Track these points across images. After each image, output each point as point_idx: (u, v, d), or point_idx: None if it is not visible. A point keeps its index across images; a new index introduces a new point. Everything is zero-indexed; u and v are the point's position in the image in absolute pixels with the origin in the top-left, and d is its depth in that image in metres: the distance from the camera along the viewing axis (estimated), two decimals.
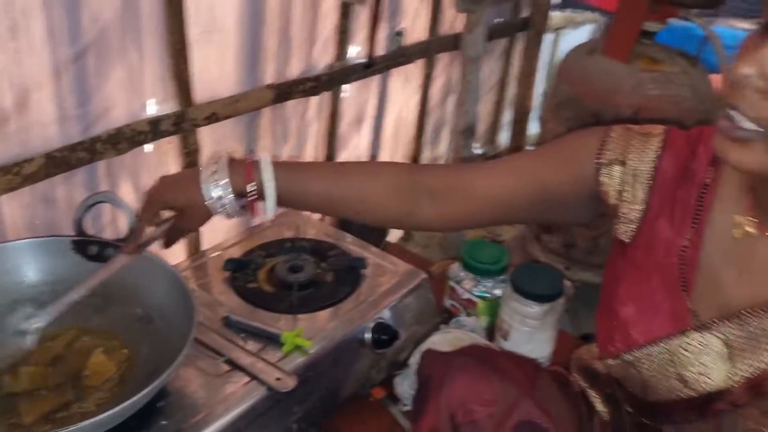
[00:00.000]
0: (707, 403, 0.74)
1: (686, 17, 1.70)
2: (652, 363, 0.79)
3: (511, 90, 2.41)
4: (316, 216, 1.81)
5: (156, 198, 0.88)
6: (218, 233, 1.57)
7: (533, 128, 2.49)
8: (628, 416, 0.92)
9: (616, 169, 0.81)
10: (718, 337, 0.74)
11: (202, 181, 0.82)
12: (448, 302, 1.56)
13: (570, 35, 2.63)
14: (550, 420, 0.92)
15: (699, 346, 0.75)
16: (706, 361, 0.75)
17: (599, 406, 0.99)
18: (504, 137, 2.51)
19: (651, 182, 0.80)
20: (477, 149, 2.30)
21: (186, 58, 1.30)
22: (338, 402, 1.28)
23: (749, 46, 0.61)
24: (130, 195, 1.34)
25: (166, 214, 0.93)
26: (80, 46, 1.14)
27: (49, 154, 1.15)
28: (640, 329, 0.80)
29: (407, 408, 1.40)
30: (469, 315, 1.52)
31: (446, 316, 1.53)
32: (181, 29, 1.27)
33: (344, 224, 1.74)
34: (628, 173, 0.81)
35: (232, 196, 0.83)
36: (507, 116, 2.45)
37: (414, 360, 1.42)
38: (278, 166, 0.84)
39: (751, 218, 0.73)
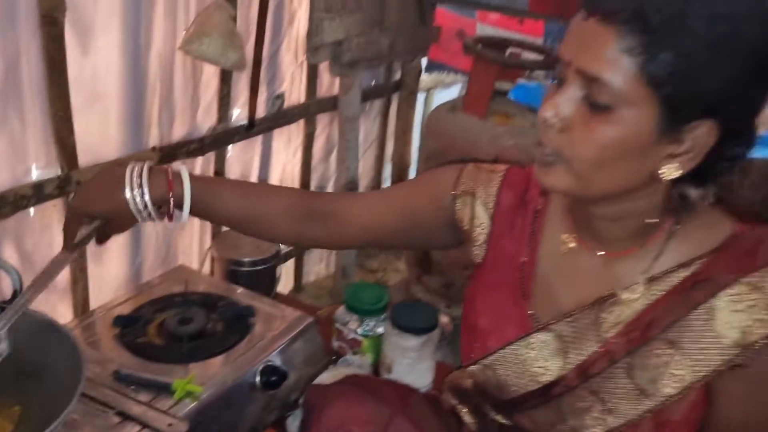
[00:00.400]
0: (548, 389, 0.88)
1: (532, 78, 1.95)
2: (505, 364, 0.92)
3: (390, 147, 2.59)
4: (206, 270, 1.88)
5: (76, 212, 0.91)
6: (107, 291, 1.60)
7: None
8: (492, 423, 1.05)
9: (468, 200, 0.96)
10: (554, 335, 0.89)
11: (126, 192, 0.88)
12: (335, 343, 1.66)
13: (440, 95, 2.89)
14: None
15: (540, 344, 0.89)
16: (546, 356, 0.89)
17: (467, 418, 1.10)
18: None
19: (493, 210, 0.95)
20: None
21: (70, 125, 1.36)
22: None
23: (549, 94, 0.78)
24: (13, 258, 1.36)
25: None
26: None
27: None
28: (495, 336, 0.93)
29: None
30: (355, 354, 1.63)
31: (335, 358, 1.63)
32: (64, 97, 1.33)
33: (233, 277, 1.81)
34: (477, 203, 0.96)
35: (152, 206, 0.89)
36: (387, 171, 2.62)
37: (304, 401, 1.50)
38: (194, 179, 0.92)
39: (572, 236, 0.89)
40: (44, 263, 1.40)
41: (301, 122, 2.10)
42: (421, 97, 2.67)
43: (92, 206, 0.90)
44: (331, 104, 2.15)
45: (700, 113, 0.70)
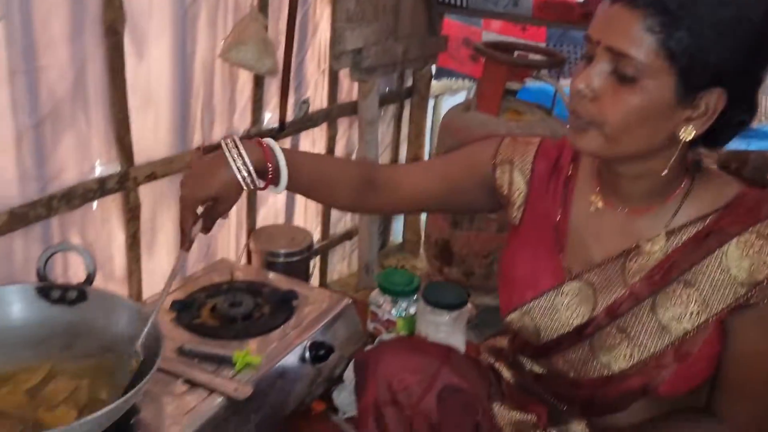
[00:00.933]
0: (581, 330, 1.01)
1: (539, 78, 2.09)
2: (541, 310, 1.05)
3: (404, 150, 2.73)
4: (244, 260, 2.00)
5: (190, 201, 0.99)
6: (158, 282, 1.72)
7: None
8: (528, 374, 1.17)
9: (507, 167, 1.10)
10: (585, 283, 1.02)
11: (231, 164, 0.96)
12: (371, 325, 1.78)
13: (448, 100, 3.03)
14: (468, 383, 1.16)
15: (572, 291, 1.02)
16: (578, 302, 1.01)
17: (506, 372, 1.22)
18: None
19: (530, 176, 1.09)
20: None
21: (128, 125, 1.49)
22: (286, 412, 1.45)
23: (579, 70, 0.91)
24: None
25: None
26: (39, 116, 1.32)
27: (11, 210, 1.29)
28: (532, 287, 1.06)
29: (346, 416, 1.58)
30: (390, 333, 1.75)
31: (370, 339, 1.74)
32: (123, 100, 1.47)
33: (270, 267, 1.94)
34: (515, 170, 1.09)
35: (254, 170, 0.97)
36: None
37: (347, 375, 1.62)
38: (283, 150, 1.02)
39: (600, 196, 1.02)
40: (104, 253, 1.54)
41: (324, 126, 2.24)
42: (430, 103, 2.81)
43: (202, 190, 0.97)
44: (350, 109, 2.29)
45: (711, 82, 0.84)
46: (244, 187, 0.98)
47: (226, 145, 0.98)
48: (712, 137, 0.90)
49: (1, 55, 1.22)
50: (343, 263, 2.62)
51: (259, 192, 2.03)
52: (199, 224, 1.01)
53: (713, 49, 0.81)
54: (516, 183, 1.09)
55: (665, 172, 0.92)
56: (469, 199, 1.15)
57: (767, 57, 0.87)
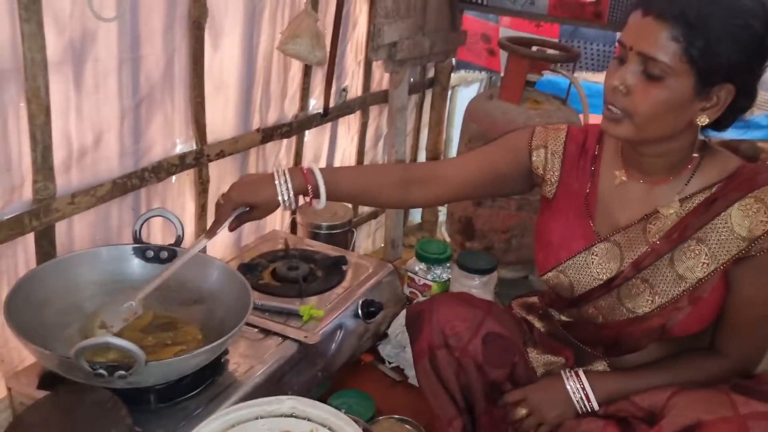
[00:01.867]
0: (610, 282, 1.22)
1: (555, 70, 2.30)
2: (575, 268, 1.26)
3: (424, 136, 2.93)
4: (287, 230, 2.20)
5: (233, 201, 1.22)
6: (216, 252, 1.92)
7: None
8: (557, 322, 1.38)
9: (541, 151, 1.31)
10: (612, 244, 1.23)
11: (277, 187, 1.21)
12: (407, 290, 2.00)
13: (462, 91, 3.24)
14: (507, 331, 1.37)
15: (602, 251, 1.24)
16: (607, 260, 1.23)
17: (537, 323, 1.44)
18: None
19: (563, 157, 1.30)
20: None
21: (203, 108, 1.69)
22: (343, 359, 1.67)
23: (612, 69, 1.12)
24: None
25: None
26: (138, 99, 1.52)
27: (114, 180, 1.49)
28: (565, 248, 1.27)
29: (392, 365, 1.80)
30: (425, 296, 1.96)
31: (407, 302, 1.96)
32: (201, 86, 1.66)
33: (315, 238, 2.14)
34: (548, 152, 1.30)
35: (293, 195, 1.22)
36: (422, 158, 2.96)
37: (392, 330, 1.83)
38: (322, 170, 1.26)
39: (623, 171, 1.23)
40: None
41: (359, 112, 2.44)
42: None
43: (248, 197, 1.21)
44: (381, 97, 2.50)
45: (723, 79, 1.06)
46: (282, 206, 1.22)
47: (276, 171, 1.22)
48: (720, 121, 1.13)
49: (114, 46, 1.41)
50: (368, 240, 2.83)
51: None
52: (228, 222, 1.24)
53: (725, 53, 1.03)
54: (550, 163, 1.31)
55: (681, 150, 1.14)
56: (507, 182, 1.35)
57: (766, 56, 1.09)
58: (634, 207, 1.22)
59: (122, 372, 1.11)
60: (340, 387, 1.65)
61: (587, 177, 1.28)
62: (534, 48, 2.35)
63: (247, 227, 2.04)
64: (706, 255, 1.13)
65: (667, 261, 1.17)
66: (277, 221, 2.19)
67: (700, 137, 1.17)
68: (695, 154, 1.16)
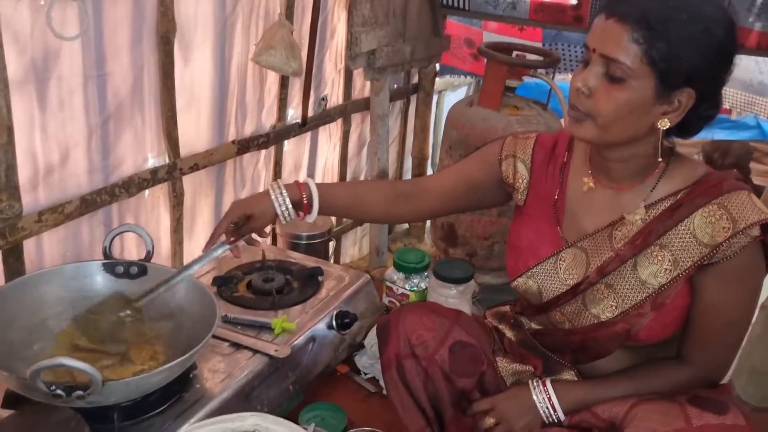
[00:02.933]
0: (576, 287, 1.22)
1: (535, 76, 2.29)
2: (543, 274, 1.26)
3: (410, 142, 2.93)
4: (269, 242, 2.20)
5: (236, 210, 1.30)
6: None
7: (430, 172, 3.02)
8: (527, 332, 1.38)
9: (510, 160, 1.32)
10: (579, 250, 1.23)
11: (273, 200, 1.29)
12: (386, 299, 2.00)
13: (450, 96, 3.24)
14: (474, 340, 1.37)
15: (569, 257, 1.24)
16: (574, 265, 1.23)
17: (507, 332, 1.44)
18: None
19: (530, 164, 1.31)
20: None
21: (175, 122, 1.69)
22: (317, 372, 1.67)
23: (577, 73, 1.12)
24: None
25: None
26: (105, 115, 1.52)
27: (83, 197, 1.50)
28: (534, 254, 1.28)
29: (367, 376, 1.80)
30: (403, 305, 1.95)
31: (385, 311, 1.95)
32: (172, 100, 1.67)
33: (294, 248, 2.14)
34: (517, 161, 1.31)
35: (291, 206, 1.30)
36: (408, 163, 2.96)
37: (368, 341, 1.83)
38: (318, 184, 1.33)
39: (591, 178, 1.23)
40: (153, 236, 1.74)
41: (340, 121, 2.44)
42: (433, 98, 3.01)
43: (245, 208, 1.30)
44: (363, 105, 2.50)
45: (683, 83, 1.06)
46: (280, 218, 1.30)
47: (272, 187, 1.31)
48: (684, 128, 1.13)
49: (78, 64, 1.42)
50: (354, 248, 2.83)
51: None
52: (224, 236, 1.32)
53: (686, 57, 1.04)
54: (520, 171, 1.31)
55: (645, 156, 1.14)
56: (485, 194, 1.38)
57: (728, 63, 1.10)
58: (601, 213, 1.22)
59: (80, 392, 1.11)
60: (313, 399, 1.64)
61: (556, 183, 1.29)
62: (514, 53, 2.34)
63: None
64: (669, 261, 1.13)
65: (631, 266, 1.17)
66: None
67: (668, 143, 1.17)
68: (660, 161, 1.16)
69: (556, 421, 1.23)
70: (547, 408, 1.23)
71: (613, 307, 1.18)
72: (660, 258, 1.14)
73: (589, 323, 1.21)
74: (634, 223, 1.17)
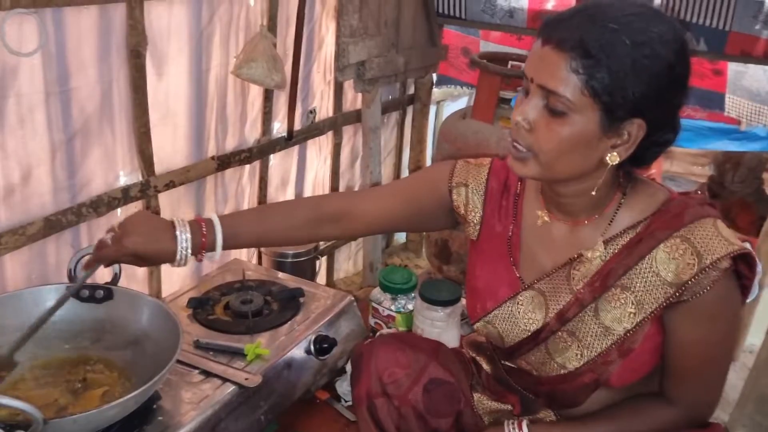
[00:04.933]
0: (536, 335, 1.12)
1: None
2: (501, 318, 1.16)
3: (406, 155, 2.86)
4: (255, 261, 2.14)
5: (130, 247, 1.07)
6: (176, 281, 1.86)
7: None
8: (502, 367, 1.29)
9: (462, 189, 1.21)
10: (537, 292, 1.13)
11: (177, 241, 1.07)
12: (372, 321, 1.92)
13: (450, 106, 3.16)
14: (452, 377, 1.29)
15: (527, 300, 1.13)
16: (532, 309, 1.13)
17: (485, 365, 1.35)
18: None
19: (484, 196, 1.20)
20: None
21: (149, 138, 1.63)
22: (293, 399, 1.59)
23: (518, 103, 1.01)
24: None
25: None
26: (70, 132, 1.46)
27: (46, 218, 1.44)
28: (491, 297, 1.17)
29: (348, 404, 1.72)
30: (390, 328, 1.88)
31: (372, 333, 1.88)
32: (145, 115, 1.60)
33: (279, 267, 2.07)
34: (469, 191, 1.20)
35: (190, 251, 1.10)
36: (405, 176, 2.89)
37: (349, 367, 1.75)
38: (223, 219, 1.12)
39: (545, 211, 1.13)
40: None
41: (330, 134, 2.37)
42: (432, 109, 2.94)
43: (142, 247, 1.08)
44: (354, 117, 2.43)
45: (631, 114, 0.95)
46: (176, 262, 1.10)
47: (177, 222, 1.10)
48: (639, 158, 1.01)
49: (39, 80, 1.36)
50: (348, 262, 2.75)
51: (269, 195, 2.18)
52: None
53: (631, 86, 0.92)
54: (472, 203, 1.21)
55: (595, 191, 1.02)
56: (429, 217, 1.26)
57: (680, 88, 0.98)
58: (558, 250, 1.12)
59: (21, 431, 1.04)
60: (289, 428, 1.57)
61: (510, 217, 1.18)
62: (510, 63, 2.26)
63: None
64: (632, 304, 1.03)
65: (592, 312, 1.06)
66: (244, 250, 2.12)
67: (622, 171, 1.06)
68: (618, 191, 1.05)
69: None
70: None
71: (578, 356, 1.08)
72: (622, 301, 1.04)
73: (555, 373, 1.12)
74: (592, 260, 1.07)
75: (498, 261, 1.18)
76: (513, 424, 1.17)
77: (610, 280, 1.04)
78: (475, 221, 1.21)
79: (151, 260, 1.12)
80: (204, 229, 1.11)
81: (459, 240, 2.26)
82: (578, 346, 1.08)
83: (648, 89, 0.93)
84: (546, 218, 1.12)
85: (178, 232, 1.08)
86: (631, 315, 1.03)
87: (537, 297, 1.13)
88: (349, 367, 1.74)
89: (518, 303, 1.14)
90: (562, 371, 1.10)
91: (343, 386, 1.74)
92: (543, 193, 1.14)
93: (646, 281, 1.02)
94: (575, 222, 1.09)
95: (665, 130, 0.99)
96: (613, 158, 0.98)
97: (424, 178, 1.29)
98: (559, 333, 1.10)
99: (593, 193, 1.03)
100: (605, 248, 1.06)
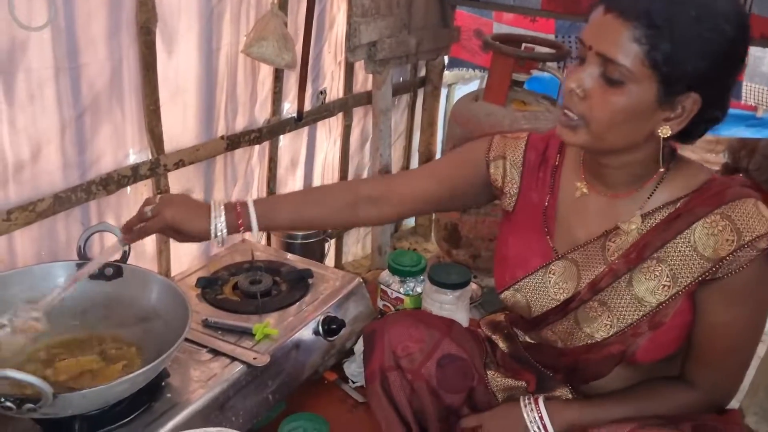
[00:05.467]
0: (566, 304, 1.12)
1: (544, 69, 2.18)
2: (532, 287, 1.17)
3: (417, 138, 2.83)
4: (264, 242, 2.13)
5: (169, 221, 1.14)
6: (185, 261, 1.86)
7: None
8: (520, 344, 1.29)
9: (500, 162, 1.22)
10: (570, 262, 1.13)
11: (211, 221, 1.14)
12: (380, 303, 1.91)
13: (461, 89, 3.12)
14: (465, 353, 1.29)
15: (559, 270, 1.14)
16: (564, 279, 1.14)
17: (501, 344, 1.35)
18: None
19: (522, 168, 1.20)
20: None
21: (158, 116, 1.62)
22: (301, 380, 1.59)
23: (572, 70, 1.02)
24: None
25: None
26: (80, 109, 1.45)
27: (56, 194, 1.43)
28: (522, 265, 1.18)
29: (356, 385, 1.72)
30: (398, 310, 1.87)
31: (380, 316, 1.87)
32: (154, 93, 1.59)
33: (288, 248, 2.07)
34: (507, 163, 1.21)
35: (226, 233, 1.16)
36: (415, 160, 2.86)
37: (357, 348, 1.75)
38: (257, 204, 1.18)
39: (584, 183, 1.13)
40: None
41: (340, 115, 2.35)
42: (443, 92, 2.91)
43: (180, 223, 1.14)
44: (365, 99, 2.40)
45: (688, 88, 0.95)
46: (213, 242, 1.17)
47: (213, 205, 1.16)
48: (686, 133, 1.02)
49: (48, 55, 1.35)
50: (357, 246, 2.74)
51: (279, 176, 2.17)
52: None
53: (692, 60, 0.92)
54: (509, 174, 1.21)
55: (643, 162, 1.03)
56: (466, 195, 1.27)
57: (737, 66, 0.99)
58: (594, 222, 1.12)
59: (30, 405, 1.04)
60: (297, 408, 1.57)
61: (547, 189, 1.19)
62: (523, 45, 2.23)
63: None
64: (667, 277, 1.03)
65: (625, 282, 1.07)
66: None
67: (669, 147, 1.06)
68: (659, 166, 1.05)
69: None
70: (539, 428, 1.14)
71: (608, 326, 1.08)
72: (657, 273, 1.04)
73: (582, 343, 1.12)
74: (629, 233, 1.07)
75: (532, 231, 1.19)
76: (528, 399, 1.17)
77: (646, 252, 1.05)
78: (512, 192, 1.22)
79: (187, 235, 1.17)
80: (239, 213, 1.16)
81: (468, 224, 2.24)
82: (608, 316, 1.08)
83: (708, 64, 0.93)
84: (584, 190, 1.13)
85: (213, 216, 1.15)
86: (666, 288, 1.04)
87: (570, 267, 1.14)
88: (357, 348, 1.75)
89: (550, 272, 1.15)
90: (589, 341, 1.10)
91: (351, 367, 1.74)
92: (584, 164, 1.14)
93: (682, 255, 1.02)
94: (614, 195, 1.10)
95: (716, 107, 0.99)
96: (664, 131, 0.99)
97: (460, 156, 1.29)
98: (590, 303, 1.10)
99: (638, 165, 1.04)
100: (642, 221, 1.07)
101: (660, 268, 1.04)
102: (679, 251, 1.02)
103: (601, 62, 0.95)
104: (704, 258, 1.00)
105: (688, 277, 1.02)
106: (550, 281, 1.15)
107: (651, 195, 1.06)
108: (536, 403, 1.16)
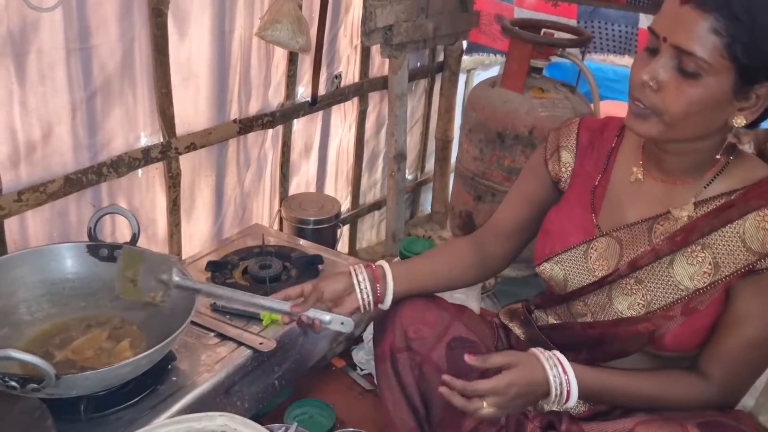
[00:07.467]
0: (603, 279, 1.11)
1: (564, 56, 2.13)
2: (571, 261, 1.16)
3: (434, 123, 2.80)
4: (276, 226, 2.13)
5: (321, 292, 1.22)
6: (196, 244, 1.86)
7: (456, 155, 2.88)
8: (537, 330, 1.27)
9: (555, 155, 1.23)
10: (614, 240, 1.13)
11: (357, 293, 1.24)
12: None
13: (480, 75, 3.07)
14: (475, 336, 1.27)
15: (601, 246, 1.14)
16: (605, 256, 1.13)
17: (517, 330, 1.33)
18: (430, 164, 2.89)
19: (575, 149, 1.21)
20: (408, 175, 2.67)
21: (170, 99, 1.61)
22: (308, 366, 1.59)
23: (641, 61, 1.00)
24: None
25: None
26: (91, 90, 1.45)
27: (67, 176, 1.44)
28: (562, 239, 1.18)
29: (363, 372, 1.71)
30: None
31: None
32: (166, 76, 1.59)
33: (300, 233, 2.06)
34: (562, 150, 1.22)
35: (372, 302, 1.25)
36: (432, 146, 2.83)
37: (366, 335, 1.74)
38: (395, 272, 1.27)
39: (641, 168, 1.12)
40: (148, 217, 1.68)
41: (355, 100, 2.33)
42: (462, 77, 2.86)
43: (334, 294, 1.23)
44: (381, 84, 2.38)
45: (764, 78, 0.95)
46: (362, 310, 1.25)
47: (357, 278, 1.25)
48: (754, 121, 1.01)
49: (59, 36, 1.34)
50: (371, 231, 2.73)
51: (292, 161, 2.16)
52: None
53: None
54: (564, 160, 1.22)
55: (709, 151, 1.03)
56: (544, 203, 1.27)
57: None
58: (645, 205, 1.12)
59: (34, 385, 1.05)
60: (304, 395, 1.57)
61: (599, 168, 1.19)
62: (543, 31, 2.18)
63: (230, 220, 1.97)
64: (710, 264, 1.03)
65: (666, 264, 1.07)
66: (265, 215, 2.11)
67: (730, 139, 1.05)
68: (720, 157, 1.04)
69: (565, 398, 1.06)
70: (561, 384, 1.05)
71: (641, 305, 1.08)
72: (700, 259, 1.04)
73: (612, 317, 1.11)
74: (679, 219, 1.07)
75: (577, 207, 1.20)
76: (548, 353, 1.09)
77: (692, 237, 1.04)
78: (567, 175, 1.23)
79: (340, 308, 1.24)
80: (377, 280, 1.26)
81: (483, 212, 2.21)
82: (643, 295, 1.08)
83: None
84: (640, 176, 1.13)
85: (357, 290, 1.25)
86: (706, 274, 1.04)
87: (613, 245, 1.14)
88: (366, 335, 1.74)
89: (592, 248, 1.16)
90: (620, 316, 1.10)
91: (360, 354, 1.73)
92: (644, 150, 1.14)
93: (728, 244, 1.02)
94: (672, 182, 1.10)
95: None
96: (739, 121, 0.98)
97: (526, 171, 1.32)
98: (627, 279, 1.10)
99: (704, 153, 1.04)
100: (695, 209, 1.06)
101: (703, 255, 1.04)
102: (726, 240, 1.02)
103: (676, 54, 0.95)
104: (750, 251, 1.00)
105: (730, 267, 1.01)
106: (591, 257, 1.15)
107: (708, 184, 1.06)
108: (563, 367, 1.06)
